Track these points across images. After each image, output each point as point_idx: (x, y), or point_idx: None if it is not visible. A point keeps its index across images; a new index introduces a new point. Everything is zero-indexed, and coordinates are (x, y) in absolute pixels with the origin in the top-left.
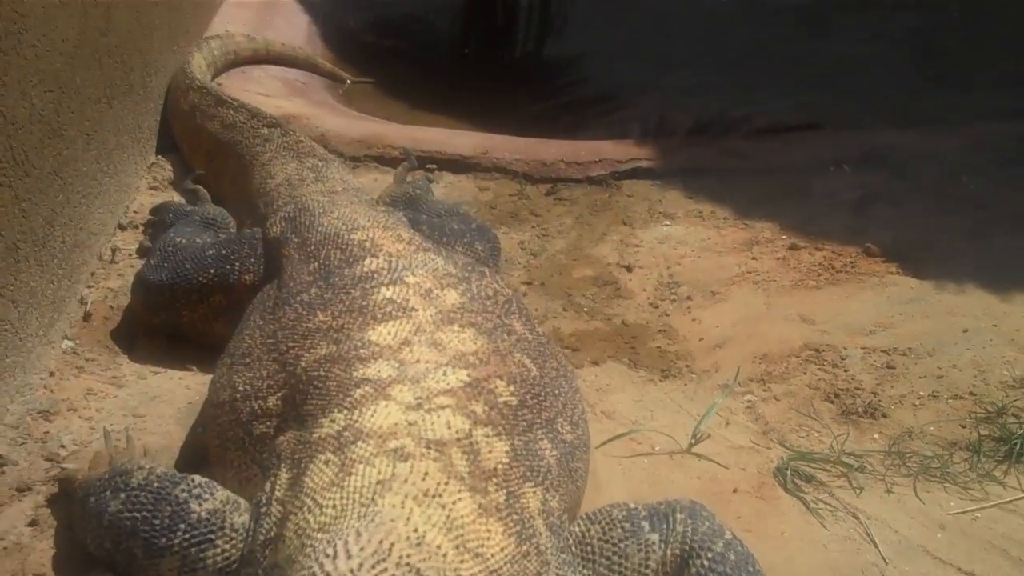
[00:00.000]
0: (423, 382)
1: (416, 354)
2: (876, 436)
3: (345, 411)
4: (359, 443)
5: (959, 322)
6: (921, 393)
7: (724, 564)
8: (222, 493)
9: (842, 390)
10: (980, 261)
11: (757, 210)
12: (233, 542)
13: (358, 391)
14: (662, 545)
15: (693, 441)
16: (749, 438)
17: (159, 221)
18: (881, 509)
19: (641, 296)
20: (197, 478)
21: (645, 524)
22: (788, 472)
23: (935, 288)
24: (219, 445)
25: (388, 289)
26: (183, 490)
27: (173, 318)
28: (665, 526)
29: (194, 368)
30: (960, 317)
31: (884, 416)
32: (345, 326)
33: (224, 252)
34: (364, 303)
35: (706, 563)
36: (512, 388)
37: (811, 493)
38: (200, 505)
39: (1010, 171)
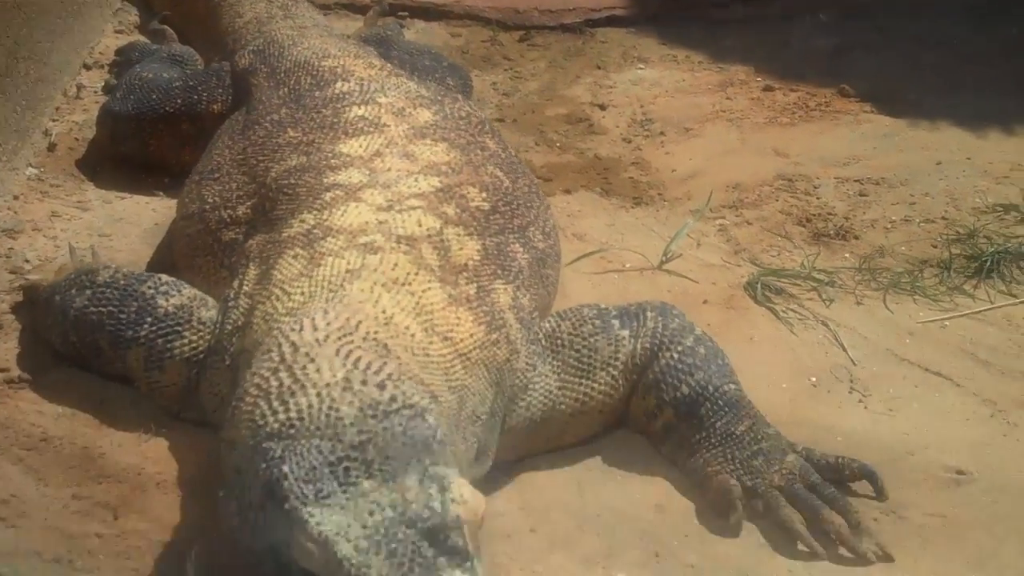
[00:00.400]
0: (394, 187)
1: (388, 163)
2: (847, 255)
3: (315, 212)
4: (329, 239)
5: (933, 155)
6: (893, 218)
7: (694, 357)
8: (189, 290)
9: (814, 215)
10: (955, 101)
11: (732, 56)
12: (200, 334)
13: (328, 194)
14: (632, 340)
15: (664, 258)
16: (720, 257)
17: (125, 60)
18: (850, 318)
19: (614, 132)
20: (164, 277)
21: (615, 321)
22: (759, 285)
23: (909, 125)
24: (188, 254)
25: (360, 108)
26: (150, 287)
27: (139, 148)
28: (635, 323)
29: (160, 193)
30: (934, 151)
31: (855, 238)
32: (316, 141)
33: (191, 83)
34: (335, 120)
35: (676, 356)
36: (484, 195)
37: (781, 304)
38: (167, 300)
39: (986, 21)
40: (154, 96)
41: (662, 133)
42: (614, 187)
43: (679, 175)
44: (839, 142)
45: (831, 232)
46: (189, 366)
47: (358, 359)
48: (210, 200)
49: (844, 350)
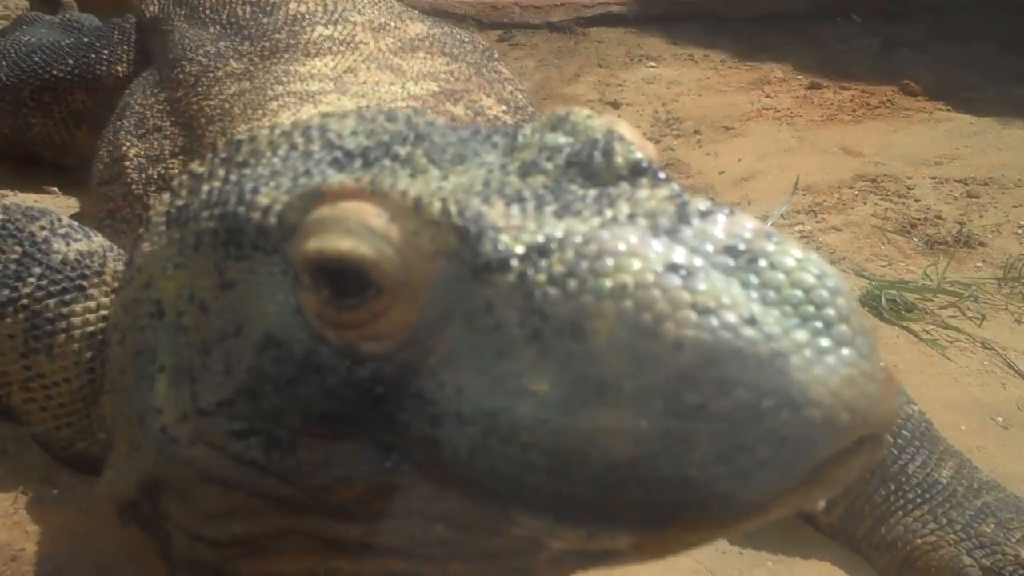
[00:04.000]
0: (371, 96)
1: (363, 77)
2: (979, 264)
3: (255, 122)
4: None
5: None
6: (1022, 221)
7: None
8: (101, 239)
9: (918, 220)
10: None
11: (760, 54)
12: (114, 297)
13: (274, 103)
14: None
15: None
16: None
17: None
18: (1017, 340)
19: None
20: (66, 218)
21: None
22: (882, 299)
23: (999, 123)
24: (107, 227)
25: (326, 28)
26: (43, 227)
27: (20, 129)
28: None
29: (56, 190)
30: None
31: (981, 244)
32: (265, 66)
33: (87, 40)
34: (292, 42)
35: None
36: (505, 108)
37: (917, 323)
38: (68, 245)
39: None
40: (35, 58)
41: (697, 132)
42: None
43: (730, 177)
44: (921, 140)
45: (947, 239)
46: (92, 347)
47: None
48: (133, 157)
49: None
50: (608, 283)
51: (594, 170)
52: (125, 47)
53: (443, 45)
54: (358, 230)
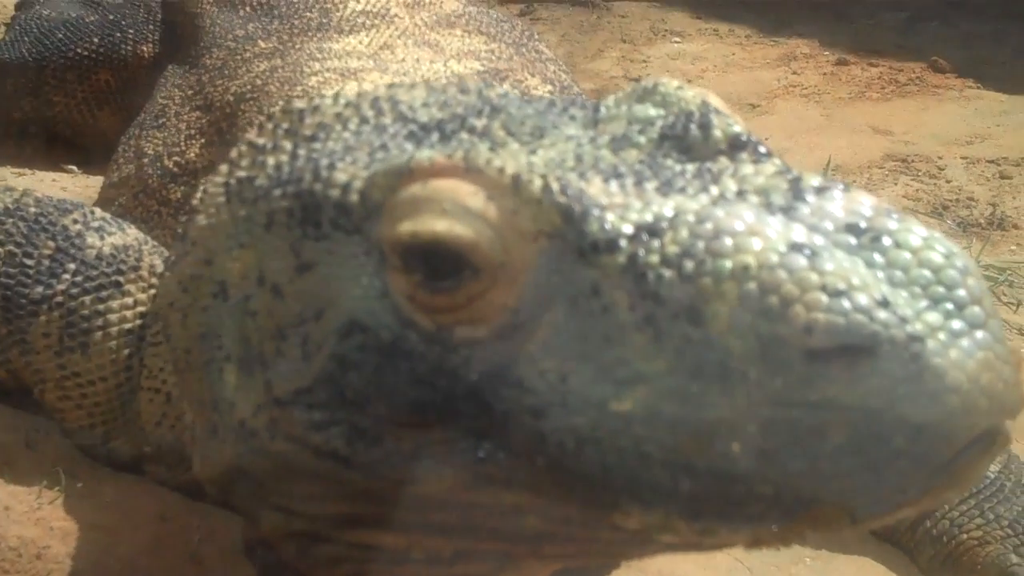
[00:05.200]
0: (412, 74)
1: (401, 54)
2: (1013, 248)
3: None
4: None
5: None
6: None
7: None
8: (136, 231)
9: (951, 201)
10: None
11: (785, 29)
12: (151, 292)
13: (314, 79)
14: None
15: None
16: None
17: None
18: None
19: None
20: (98, 210)
21: None
22: None
23: None
24: None
25: (359, 3)
26: (76, 220)
27: (41, 108)
28: None
29: (74, 168)
30: None
31: (1015, 227)
32: (296, 44)
33: (113, 18)
34: (325, 20)
35: None
36: (550, 88)
37: None
38: (102, 239)
39: None
40: (59, 35)
41: None
42: None
43: None
44: (951, 119)
45: (980, 221)
46: (129, 345)
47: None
48: (150, 151)
49: None
50: (728, 264)
51: (691, 144)
52: (151, 26)
53: (480, 23)
54: (453, 210)
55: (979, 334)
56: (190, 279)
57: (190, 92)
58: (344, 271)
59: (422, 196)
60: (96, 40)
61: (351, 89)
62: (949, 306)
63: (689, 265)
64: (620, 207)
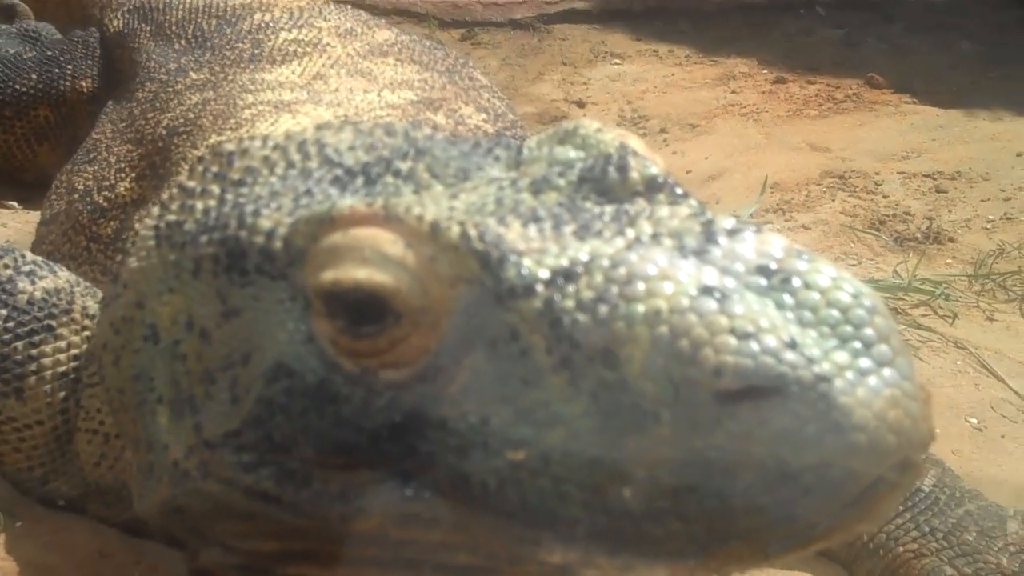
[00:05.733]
0: (347, 105)
1: (334, 84)
2: (949, 261)
3: (228, 132)
4: None
5: (1008, 146)
6: (991, 216)
7: None
8: (67, 273)
9: (887, 216)
10: (1006, 91)
11: (725, 48)
12: (84, 335)
13: (248, 111)
14: None
15: None
16: None
17: None
18: (988, 338)
19: None
20: (29, 254)
21: None
22: None
23: (965, 116)
24: None
25: (291, 32)
26: (6, 265)
27: None
28: None
29: (15, 205)
30: (1007, 142)
31: (951, 240)
32: (229, 76)
33: (51, 54)
34: (257, 52)
35: None
36: (485, 117)
37: None
38: (33, 283)
39: (1002, 12)
40: None
41: (663, 131)
42: None
43: (698, 176)
44: (887, 134)
45: (917, 235)
46: (64, 387)
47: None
48: (80, 187)
49: (1002, 380)
50: (641, 308)
51: (609, 186)
52: (89, 62)
53: (412, 52)
54: (374, 258)
55: (886, 372)
56: (122, 321)
57: (122, 125)
58: (270, 316)
59: (343, 244)
60: (35, 76)
61: (283, 126)
62: (857, 345)
63: (603, 310)
64: (537, 252)
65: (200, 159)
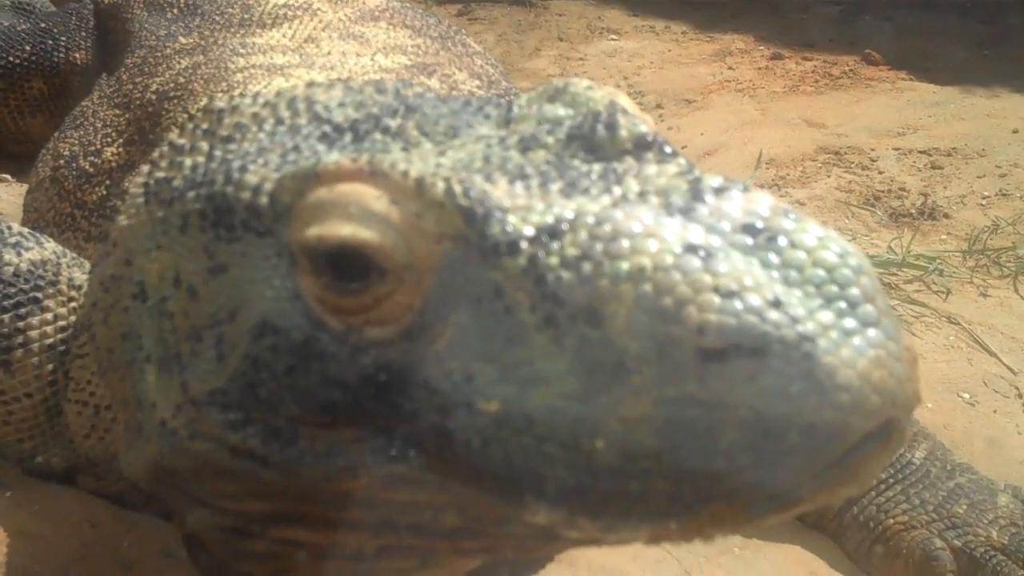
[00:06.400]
0: (339, 68)
1: (326, 48)
2: (944, 237)
3: (220, 95)
4: None
5: (1004, 123)
6: (986, 192)
7: None
8: (53, 244)
9: (882, 192)
10: (1003, 68)
11: (722, 24)
12: (71, 306)
13: (239, 75)
14: None
15: None
16: None
17: None
18: (981, 313)
19: None
20: (16, 225)
21: None
22: None
23: (962, 93)
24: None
25: None
26: None
27: None
28: None
29: (8, 177)
30: (1003, 119)
31: (946, 216)
32: (218, 40)
33: (44, 26)
34: (247, 16)
35: None
36: (478, 83)
37: None
38: (19, 255)
39: None
40: None
41: (659, 107)
42: None
43: (693, 151)
44: (884, 111)
45: (912, 211)
46: (52, 359)
47: None
48: (66, 152)
49: (994, 355)
50: (625, 266)
51: (597, 144)
52: (83, 33)
53: (404, 17)
54: (359, 214)
55: (871, 332)
56: (111, 279)
57: (109, 91)
58: (256, 273)
59: (328, 200)
60: (28, 48)
61: (274, 87)
62: (842, 305)
63: (587, 267)
64: (522, 209)
65: (191, 116)
